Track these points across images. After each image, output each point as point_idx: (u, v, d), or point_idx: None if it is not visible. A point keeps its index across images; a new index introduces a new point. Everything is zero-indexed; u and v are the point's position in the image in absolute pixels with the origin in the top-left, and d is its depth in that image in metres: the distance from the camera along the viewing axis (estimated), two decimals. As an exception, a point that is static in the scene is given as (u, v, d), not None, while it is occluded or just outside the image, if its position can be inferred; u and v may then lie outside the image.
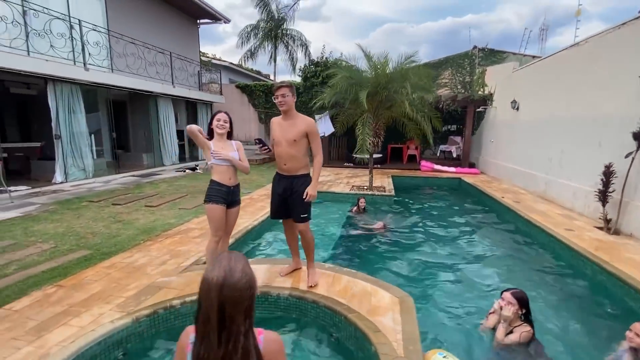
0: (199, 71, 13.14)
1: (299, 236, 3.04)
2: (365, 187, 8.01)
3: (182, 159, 12.21)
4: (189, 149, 12.93)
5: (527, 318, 2.52)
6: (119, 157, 9.55)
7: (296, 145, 2.78)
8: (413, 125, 7.50)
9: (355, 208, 6.44)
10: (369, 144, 7.47)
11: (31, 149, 8.91)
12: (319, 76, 11.36)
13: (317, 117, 11.19)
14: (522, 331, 2.45)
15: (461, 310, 3.18)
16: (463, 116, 12.00)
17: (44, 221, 5.11)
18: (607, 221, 4.89)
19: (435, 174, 10.69)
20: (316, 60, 11.74)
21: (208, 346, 0.92)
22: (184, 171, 10.54)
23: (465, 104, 11.41)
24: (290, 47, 19.86)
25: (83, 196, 6.84)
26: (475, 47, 12.99)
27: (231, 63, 17.68)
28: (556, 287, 3.73)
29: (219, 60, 17.36)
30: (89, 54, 7.83)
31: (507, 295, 2.58)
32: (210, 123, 2.92)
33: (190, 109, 12.77)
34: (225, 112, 2.99)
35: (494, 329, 2.64)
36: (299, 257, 3.29)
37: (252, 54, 19.88)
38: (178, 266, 3.43)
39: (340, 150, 14.42)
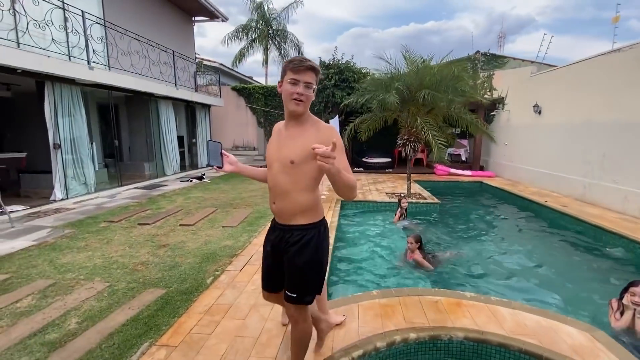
0: (194, 72, 12.19)
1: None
2: (402, 194, 7.67)
3: (182, 167, 11.20)
4: (189, 157, 11.92)
5: None
6: (120, 167, 8.45)
7: (295, 170, 1.54)
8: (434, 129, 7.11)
9: (397, 214, 6.07)
10: (410, 148, 7.16)
11: (14, 160, 7.62)
12: (331, 79, 10.91)
13: (331, 121, 10.74)
14: None
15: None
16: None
17: (68, 250, 4.21)
18: (678, 225, 4.91)
19: (452, 178, 10.62)
20: (327, 62, 11.29)
21: None
22: (190, 181, 9.61)
23: (474, 108, 11.49)
24: (282, 49, 19.25)
25: (95, 215, 5.87)
26: (477, 51, 13.21)
27: (222, 64, 16.71)
28: None
29: (209, 61, 16.32)
30: (93, 50, 6.80)
31: (637, 290, 2.64)
32: None
33: (189, 112, 11.77)
34: None
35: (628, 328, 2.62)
36: (327, 313, 2.30)
37: (241, 56, 19.03)
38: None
39: (347, 154, 14.05)
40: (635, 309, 2.57)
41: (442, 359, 2.36)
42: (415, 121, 6.70)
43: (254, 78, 20.90)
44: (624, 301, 2.73)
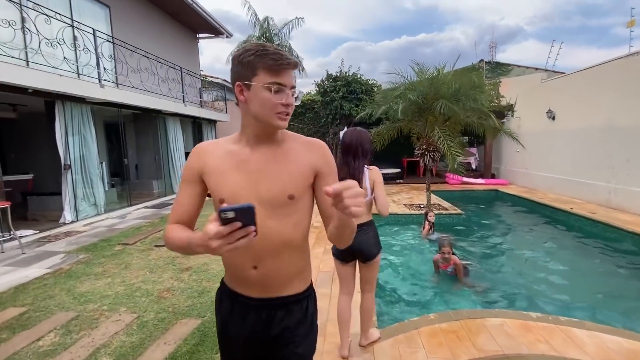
0: (200, 88, 12.12)
1: None
2: (422, 206, 7.47)
3: (189, 184, 10.96)
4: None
5: None
6: (129, 186, 8.21)
7: (294, 209, 1.03)
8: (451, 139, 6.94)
9: (426, 227, 5.83)
10: (429, 158, 7.00)
11: (21, 182, 7.37)
12: (338, 91, 10.85)
13: (341, 133, 10.65)
14: None
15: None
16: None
17: (86, 277, 3.94)
18: None
19: (466, 187, 10.44)
20: (334, 75, 11.26)
21: None
22: (200, 198, 9.37)
23: (482, 116, 11.43)
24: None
25: (108, 238, 5.60)
26: (482, 60, 13.28)
27: (224, 80, 16.71)
28: None
29: (212, 77, 16.31)
30: (104, 68, 6.67)
31: None
32: None
33: (196, 128, 11.63)
34: None
35: None
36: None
37: (244, 71, 19.09)
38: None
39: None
40: None
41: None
42: (433, 130, 6.56)
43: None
44: None
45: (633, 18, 8.71)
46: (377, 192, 2.33)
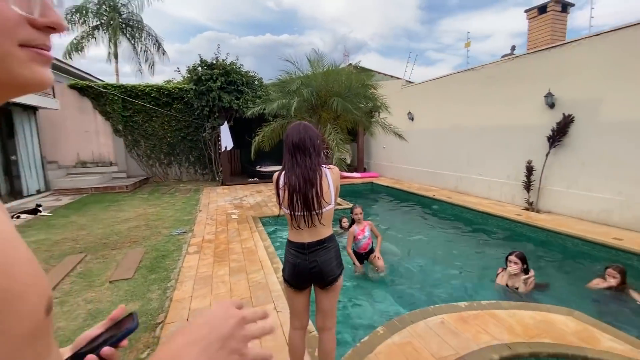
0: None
1: None
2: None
3: (-4, 197, 7.60)
4: (6, 182, 8.20)
5: (527, 269, 3.47)
6: None
7: None
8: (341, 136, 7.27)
9: (344, 224, 5.75)
10: (324, 155, 6.96)
11: None
12: (216, 80, 9.63)
13: (222, 128, 9.56)
14: (531, 279, 3.43)
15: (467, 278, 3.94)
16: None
17: None
18: (530, 204, 6.42)
19: (345, 181, 11.12)
20: (210, 61, 9.90)
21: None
22: (18, 217, 6.59)
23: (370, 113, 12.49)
24: (138, 44, 16.09)
25: None
26: (350, 64, 14.44)
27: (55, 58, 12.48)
28: (524, 248, 4.59)
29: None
30: None
31: (513, 257, 3.51)
32: None
33: (2, 119, 8.13)
34: None
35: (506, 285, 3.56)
36: None
37: (79, 47, 14.86)
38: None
39: (235, 163, 12.84)
40: (511, 271, 3.49)
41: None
42: (326, 127, 6.55)
43: (100, 78, 16.71)
44: (509, 268, 3.53)
45: (469, 40, 11.15)
46: (336, 197, 1.87)
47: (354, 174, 11.94)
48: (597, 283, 3.52)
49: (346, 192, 9.93)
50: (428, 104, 9.69)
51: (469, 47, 11.51)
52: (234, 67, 10.06)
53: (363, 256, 4.14)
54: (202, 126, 11.12)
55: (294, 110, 6.02)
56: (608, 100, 5.33)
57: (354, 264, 4.09)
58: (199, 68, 10.02)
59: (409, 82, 12.50)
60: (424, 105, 9.87)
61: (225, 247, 4.70)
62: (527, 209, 6.43)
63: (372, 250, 4.15)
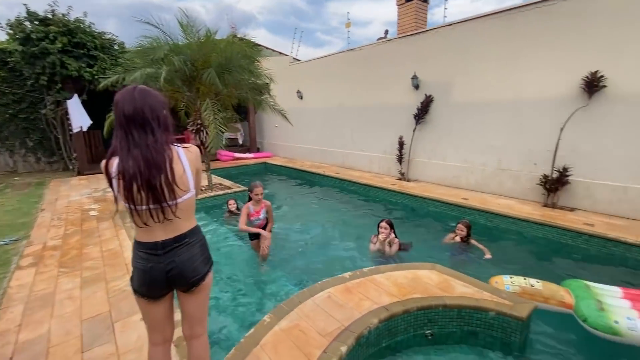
0: None
1: None
2: (203, 188, 6.71)
3: None
4: None
5: (395, 234, 3.94)
6: None
7: None
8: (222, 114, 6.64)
9: (231, 207, 5.38)
10: (205, 135, 6.26)
11: None
12: (54, 40, 7.45)
13: (69, 103, 7.66)
14: (397, 242, 3.90)
15: (355, 248, 4.29)
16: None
17: None
18: (402, 174, 7.28)
19: (238, 162, 10.55)
20: (44, 16, 7.52)
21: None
22: None
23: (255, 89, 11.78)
24: None
25: None
26: (234, 35, 13.39)
27: None
28: (399, 213, 5.37)
29: None
30: None
31: (382, 224, 3.88)
32: None
33: None
34: None
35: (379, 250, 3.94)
36: None
37: None
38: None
39: (96, 147, 10.56)
40: (380, 238, 3.87)
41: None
42: (205, 103, 5.84)
43: None
44: (380, 236, 3.90)
45: (349, 21, 11.54)
46: (198, 181, 1.54)
47: (247, 155, 11.41)
48: (450, 237, 4.19)
49: (239, 173, 9.43)
50: (316, 82, 9.81)
51: (349, 28, 12.07)
52: (81, 25, 7.98)
53: (259, 235, 3.86)
54: (42, 101, 8.63)
55: (163, 80, 5.10)
56: (457, 83, 6.31)
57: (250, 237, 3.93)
58: (27, 23, 7.57)
59: (296, 59, 12.43)
60: (312, 84, 9.97)
61: (77, 252, 3.75)
62: (400, 179, 7.28)
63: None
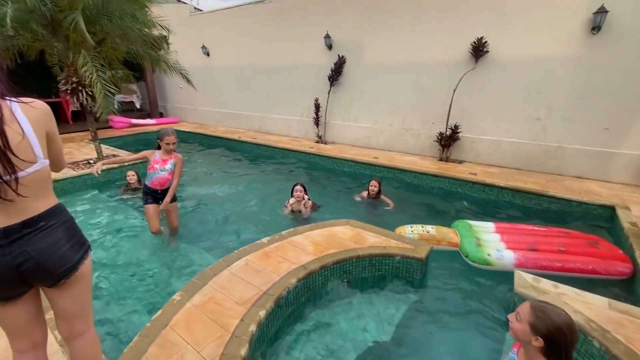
0: None
1: None
2: (92, 161, 5.70)
3: None
4: None
5: (308, 196, 4.03)
6: None
7: None
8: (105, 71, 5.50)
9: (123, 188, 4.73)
10: (87, 96, 5.19)
11: None
12: None
13: None
14: (310, 204, 4.02)
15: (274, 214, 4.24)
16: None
17: None
18: (320, 137, 7.36)
19: (137, 130, 9.23)
20: None
21: None
22: None
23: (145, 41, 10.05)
24: None
25: None
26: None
27: None
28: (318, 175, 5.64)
29: None
30: None
31: (297, 187, 3.93)
32: None
33: None
34: None
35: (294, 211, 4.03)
36: None
37: None
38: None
39: None
40: (292, 201, 3.95)
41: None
42: (81, 57, 4.74)
43: None
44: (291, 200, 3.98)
45: None
46: (55, 148, 1.22)
47: (148, 121, 10.03)
48: (363, 194, 4.45)
49: (139, 143, 8.28)
50: (224, 38, 8.88)
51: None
52: None
53: (158, 195, 3.26)
54: None
55: (10, 22, 3.86)
56: (367, 45, 6.42)
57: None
58: None
59: (198, 9, 10.99)
60: (220, 39, 9.00)
61: None
62: (317, 142, 7.36)
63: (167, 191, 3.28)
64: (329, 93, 7.01)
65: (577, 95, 4.71)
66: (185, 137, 9.01)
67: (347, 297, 2.60)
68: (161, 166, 3.19)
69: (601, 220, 3.88)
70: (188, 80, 6.77)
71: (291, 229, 3.11)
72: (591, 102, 4.63)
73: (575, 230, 3.35)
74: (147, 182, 3.25)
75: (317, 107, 7.13)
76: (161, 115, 11.33)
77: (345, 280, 2.66)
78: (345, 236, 2.97)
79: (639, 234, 3.13)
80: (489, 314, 2.44)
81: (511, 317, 1.42)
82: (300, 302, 2.42)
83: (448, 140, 5.69)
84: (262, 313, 2.01)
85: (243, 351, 1.73)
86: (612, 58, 4.40)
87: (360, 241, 2.87)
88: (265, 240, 2.90)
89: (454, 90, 5.51)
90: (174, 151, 3.27)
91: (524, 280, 2.35)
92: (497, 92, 5.29)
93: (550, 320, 1.28)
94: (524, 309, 1.37)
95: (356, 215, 3.61)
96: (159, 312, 2.04)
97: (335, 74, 6.79)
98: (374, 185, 4.29)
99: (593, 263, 2.81)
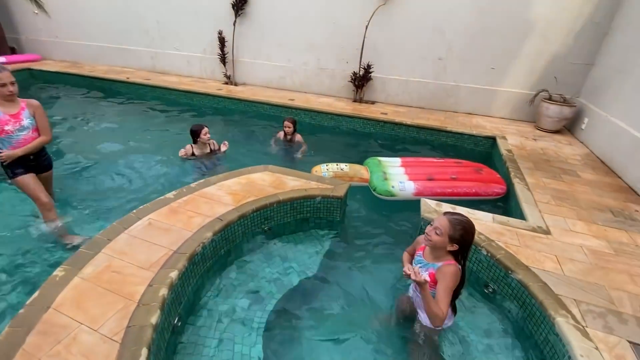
0: None
1: None
2: None
3: None
4: None
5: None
6: None
7: None
8: None
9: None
10: None
11: None
12: None
13: None
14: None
15: (181, 165, 3.78)
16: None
17: None
18: (228, 77, 6.61)
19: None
20: None
21: None
22: None
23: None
24: None
25: None
26: None
27: None
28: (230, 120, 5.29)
29: None
30: None
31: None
32: None
33: None
34: None
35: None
36: None
37: None
38: None
39: None
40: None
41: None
42: None
43: None
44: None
45: None
46: None
47: (-8, 58, 7.52)
48: (279, 134, 4.26)
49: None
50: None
51: None
52: None
53: (30, 162, 2.56)
54: None
55: None
56: (274, -32, 5.65)
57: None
58: None
59: None
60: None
61: None
62: (226, 83, 6.62)
63: (41, 154, 2.65)
64: (234, 24, 6.16)
65: (471, 36, 5.07)
66: (51, 78, 7.15)
67: (270, 243, 2.53)
68: (15, 125, 2.41)
69: (486, 149, 4.53)
70: (38, 3, 5.09)
71: (202, 180, 2.78)
72: (482, 42, 5.06)
73: (466, 159, 3.83)
74: (4, 147, 2.44)
75: (222, 41, 6.26)
76: (13, 51, 8.60)
77: (266, 227, 2.55)
78: (265, 182, 2.80)
79: (513, 159, 3.74)
80: (403, 237, 2.68)
81: (430, 231, 1.60)
82: (219, 255, 2.25)
83: (361, 80, 5.69)
84: (174, 274, 1.78)
85: (154, 319, 1.52)
86: (501, 0, 4.76)
87: (280, 186, 2.75)
88: (171, 195, 2.54)
89: (366, 27, 5.38)
90: (17, 95, 2.45)
91: (429, 206, 2.59)
92: (405, 30, 5.35)
93: (464, 231, 1.55)
94: (443, 223, 1.56)
95: (275, 160, 3.44)
96: (36, 293, 1.64)
97: (240, 1, 5.93)
98: (288, 126, 4.12)
99: (476, 187, 3.27)
